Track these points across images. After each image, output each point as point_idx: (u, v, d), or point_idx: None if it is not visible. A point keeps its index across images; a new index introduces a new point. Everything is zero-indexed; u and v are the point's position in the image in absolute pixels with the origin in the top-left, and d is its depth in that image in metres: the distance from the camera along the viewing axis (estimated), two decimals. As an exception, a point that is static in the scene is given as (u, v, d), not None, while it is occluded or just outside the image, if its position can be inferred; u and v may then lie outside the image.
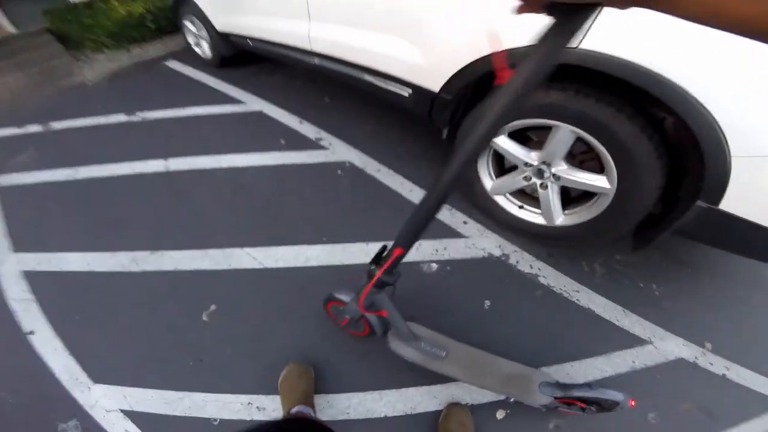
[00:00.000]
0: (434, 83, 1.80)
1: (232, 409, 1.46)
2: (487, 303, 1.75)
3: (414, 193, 2.21)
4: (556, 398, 1.35)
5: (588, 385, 1.34)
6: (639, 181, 1.46)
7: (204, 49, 3.55)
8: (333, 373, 1.56)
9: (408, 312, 1.64)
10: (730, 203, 1.29)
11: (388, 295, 1.31)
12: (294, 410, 1.36)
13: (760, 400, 1.72)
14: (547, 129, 1.60)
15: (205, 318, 1.72)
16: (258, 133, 2.77)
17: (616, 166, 1.49)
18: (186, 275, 1.88)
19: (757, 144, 1.18)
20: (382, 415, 1.46)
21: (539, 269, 1.88)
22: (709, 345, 1.72)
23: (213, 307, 1.75)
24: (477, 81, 1.67)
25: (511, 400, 1.49)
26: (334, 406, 1.48)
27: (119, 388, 1.53)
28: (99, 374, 1.57)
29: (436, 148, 2.54)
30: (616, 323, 1.73)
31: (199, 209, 2.22)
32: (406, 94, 1.97)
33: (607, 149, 1.47)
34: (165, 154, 2.62)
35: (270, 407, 1.47)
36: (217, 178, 2.42)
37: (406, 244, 1.05)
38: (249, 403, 1.48)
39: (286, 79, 3.47)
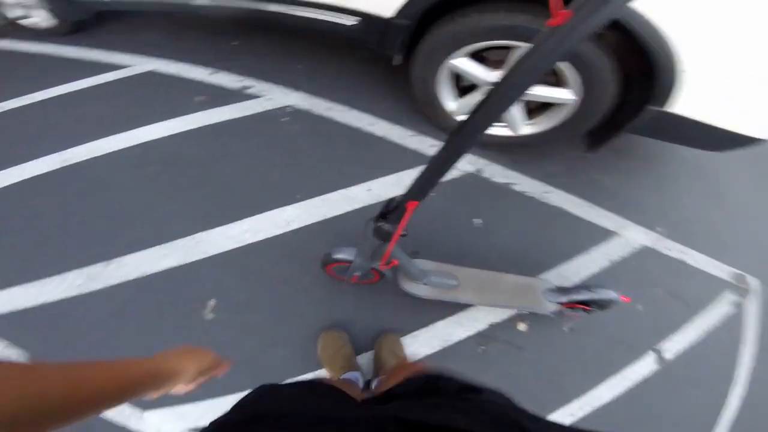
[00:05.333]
0: (386, 9, 1.65)
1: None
2: (477, 221, 1.86)
3: (377, 127, 2.09)
4: (561, 304, 1.56)
5: (586, 288, 1.56)
6: (599, 91, 1.62)
7: (41, 18, 2.56)
8: (362, 330, 1.60)
9: (408, 248, 1.70)
10: (675, 106, 1.53)
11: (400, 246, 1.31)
12: (343, 378, 1.40)
13: (715, 282, 2.14)
14: (506, 48, 1.64)
15: (209, 316, 1.59)
16: (160, 95, 2.25)
17: (581, 79, 1.61)
18: (159, 278, 1.67)
19: (702, 55, 1.37)
20: (423, 355, 1.59)
21: (511, 177, 1.99)
22: (662, 230, 2.06)
23: (212, 302, 1.62)
24: (434, 5, 1.59)
25: (526, 312, 1.69)
26: (378, 362, 1.54)
27: (172, 408, 1.45)
28: (142, 402, 1.44)
29: (385, 76, 2.34)
30: (586, 218, 1.97)
31: (133, 199, 1.87)
32: (351, 24, 1.76)
33: (572, 64, 1.58)
34: (55, 147, 2.04)
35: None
36: (134, 159, 2.00)
37: (420, 195, 1.01)
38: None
39: (172, 28, 2.69)
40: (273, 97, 2.21)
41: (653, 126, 1.64)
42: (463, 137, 0.86)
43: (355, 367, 1.47)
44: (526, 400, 1.63)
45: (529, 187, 1.97)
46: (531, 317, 1.73)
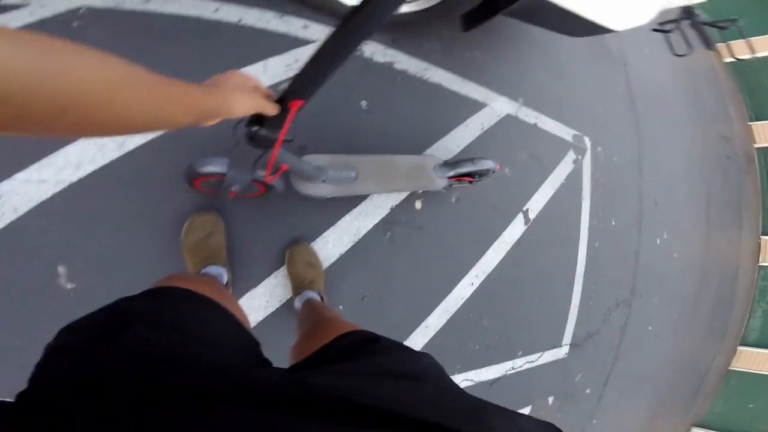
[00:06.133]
0: None
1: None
2: (364, 103, 1.72)
3: (224, 12, 1.55)
4: (449, 178, 1.63)
5: (470, 160, 1.65)
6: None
7: None
8: (266, 249, 1.42)
9: (295, 144, 1.51)
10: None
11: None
12: (203, 272, 1.19)
13: (562, 143, 2.45)
14: None
15: (68, 285, 1.18)
16: None
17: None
18: None
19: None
20: (338, 255, 1.50)
21: (392, 56, 1.86)
22: (521, 99, 2.25)
23: (62, 269, 1.18)
24: None
25: (420, 191, 1.70)
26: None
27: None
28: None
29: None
30: (461, 92, 2.01)
31: None
32: None
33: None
34: None
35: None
36: None
37: (307, 93, 0.81)
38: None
39: None
40: (45, 2, 1.34)
41: (527, 10, 1.68)
42: (363, 20, 0.64)
43: (222, 262, 1.25)
44: (434, 277, 1.73)
45: (409, 66, 1.88)
46: (424, 194, 1.79)
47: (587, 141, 2.61)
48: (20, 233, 1.16)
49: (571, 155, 2.50)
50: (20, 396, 0.38)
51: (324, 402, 0.39)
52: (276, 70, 1.60)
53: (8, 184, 1.16)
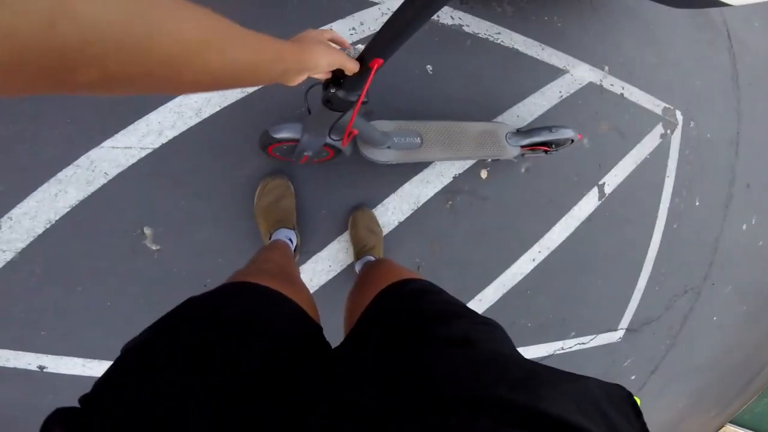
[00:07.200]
0: None
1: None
2: (429, 67, 1.65)
3: None
4: (522, 147, 1.53)
5: (547, 128, 1.53)
6: None
7: None
8: (330, 213, 1.45)
9: (368, 107, 1.50)
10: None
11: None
12: (274, 236, 1.23)
13: (650, 116, 2.24)
14: None
15: (153, 247, 1.29)
16: None
17: None
18: (68, 220, 1.24)
19: None
20: (396, 223, 1.51)
21: (460, 19, 1.75)
22: (606, 67, 2.05)
23: (148, 231, 1.29)
24: None
25: (488, 160, 1.63)
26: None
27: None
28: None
29: None
30: (538, 57, 1.86)
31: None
32: None
33: None
34: None
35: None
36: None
37: (387, 52, 0.79)
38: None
39: None
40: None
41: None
42: None
43: (292, 225, 1.30)
44: (494, 250, 1.69)
45: (480, 29, 1.76)
46: (491, 162, 1.72)
47: (679, 115, 2.36)
48: (110, 196, 1.27)
49: (658, 129, 2.28)
50: (85, 401, 0.39)
51: (361, 387, 0.41)
52: (341, 34, 1.56)
53: (97, 152, 1.26)
